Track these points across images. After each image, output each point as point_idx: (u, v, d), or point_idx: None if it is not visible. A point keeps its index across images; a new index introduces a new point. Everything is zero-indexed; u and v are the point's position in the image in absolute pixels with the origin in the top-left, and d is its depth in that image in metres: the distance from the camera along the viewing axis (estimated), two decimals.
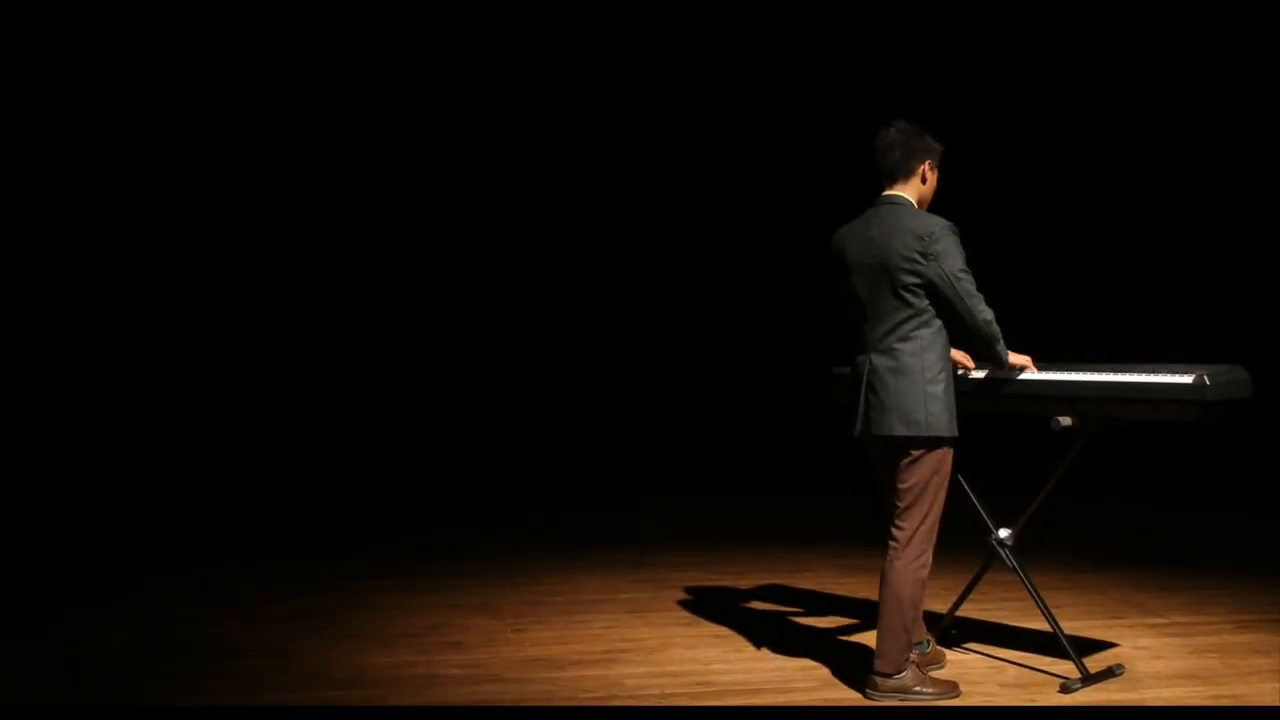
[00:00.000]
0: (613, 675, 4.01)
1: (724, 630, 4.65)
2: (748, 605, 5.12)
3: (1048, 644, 4.15)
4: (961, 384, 3.85)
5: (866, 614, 4.60)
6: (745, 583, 5.55)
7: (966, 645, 4.35)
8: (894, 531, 3.66)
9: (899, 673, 3.62)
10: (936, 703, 3.63)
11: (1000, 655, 4.23)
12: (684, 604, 5.14)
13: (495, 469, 8.92)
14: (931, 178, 3.75)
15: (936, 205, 3.84)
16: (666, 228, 9.28)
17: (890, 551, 3.65)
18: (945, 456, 3.62)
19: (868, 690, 3.67)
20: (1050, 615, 3.97)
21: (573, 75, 9.00)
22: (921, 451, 3.58)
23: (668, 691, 3.82)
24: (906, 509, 3.63)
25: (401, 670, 4.09)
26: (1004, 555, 4.01)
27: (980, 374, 3.88)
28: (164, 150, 8.65)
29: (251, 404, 8.84)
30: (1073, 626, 4.60)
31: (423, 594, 5.33)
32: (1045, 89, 8.72)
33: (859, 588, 5.29)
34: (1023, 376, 3.77)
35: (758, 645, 4.38)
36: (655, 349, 9.30)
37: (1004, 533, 4.04)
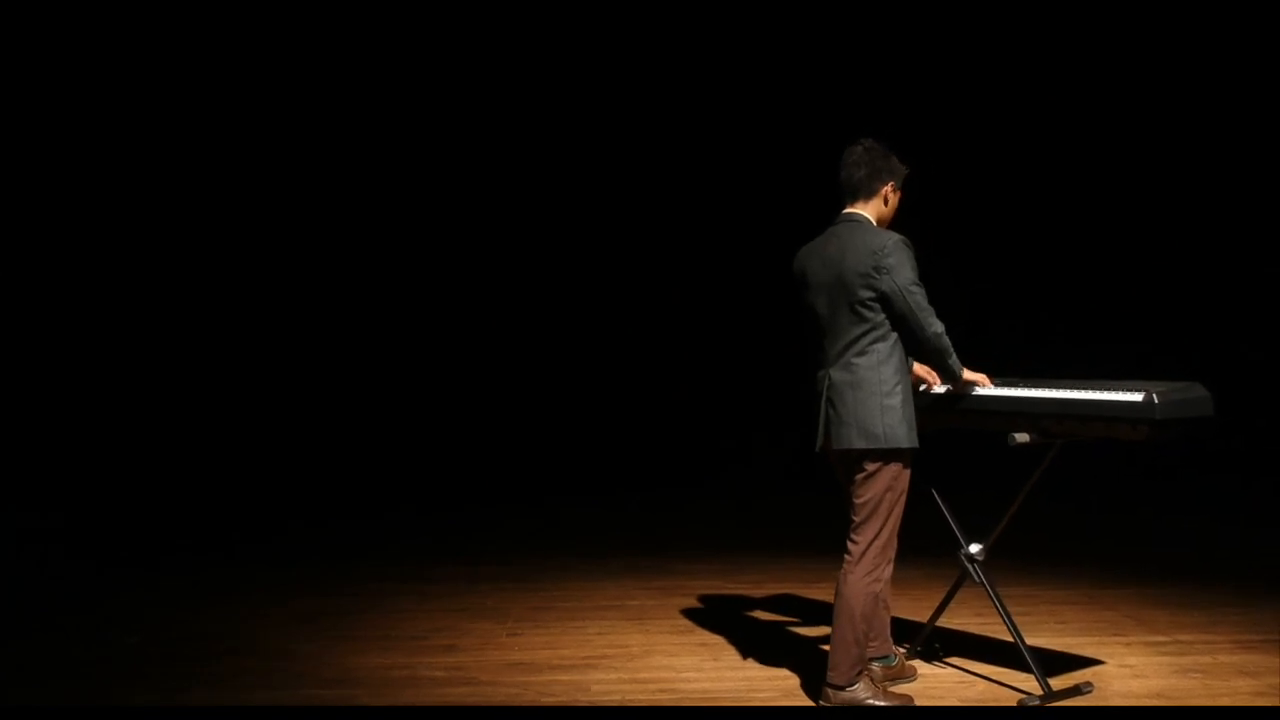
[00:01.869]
0: (583, 680, 4.12)
1: (713, 639, 4.72)
2: (750, 615, 5.17)
3: (1041, 658, 4.12)
4: (922, 399, 3.87)
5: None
6: (760, 592, 5.60)
7: (947, 659, 4.35)
8: (849, 545, 3.70)
9: (851, 685, 3.66)
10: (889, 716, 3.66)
11: (976, 670, 4.21)
12: (687, 611, 5.22)
13: (532, 472, 9.12)
14: (894, 199, 3.78)
15: (901, 223, 3.86)
16: (693, 228, 9.37)
17: (845, 565, 3.69)
18: (901, 472, 3.65)
19: (821, 701, 3.72)
20: (1015, 630, 3.95)
21: (571, 79, 9.23)
22: (877, 465, 3.61)
23: (628, 697, 3.92)
24: (861, 524, 3.66)
25: (387, 672, 4.26)
26: (972, 570, 4.01)
27: (941, 389, 3.90)
28: (224, 153, 9.03)
29: (286, 405, 9.22)
30: (1068, 643, 4.58)
31: (438, 597, 5.51)
32: (1021, 108, 8.76)
33: (906, 603, 5.21)
34: (978, 392, 3.76)
35: (744, 655, 4.45)
36: (692, 351, 9.42)
37: (975, 548, 4.03)
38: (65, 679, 4.23)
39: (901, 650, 4.12)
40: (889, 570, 3.78)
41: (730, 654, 4.48)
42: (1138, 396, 3.41)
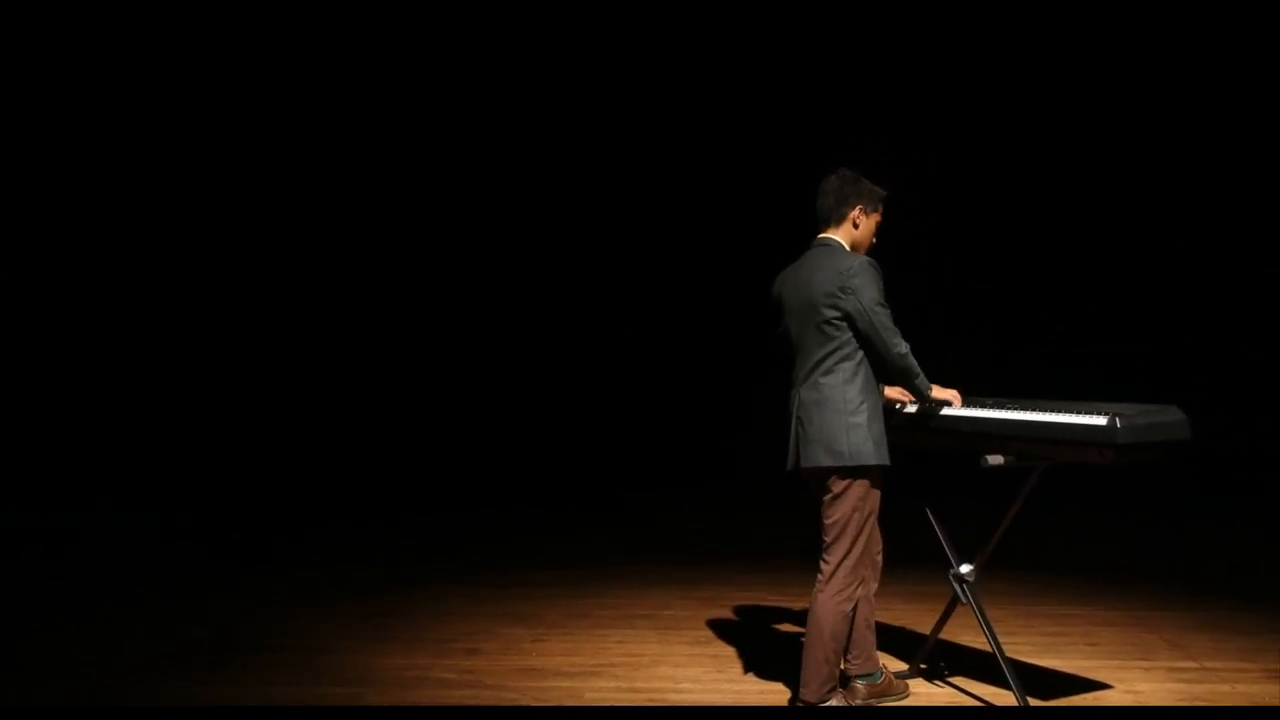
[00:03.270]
0: (580, 688, 4.26)
1: (727, 651, 4.80)
2: (775, 628, 5.22)
3: (1031, 682, 4.08)
4: (896, 418, 3.89)
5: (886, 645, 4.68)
6: (799, 604, 5.61)
7: (950, 679, 4.33)
8: (821, 565, 3.75)
9: (822, 702, 3.70)
10: None
11: (973, 690, 4.19)
12: (715, 622, 5.30)
13: (607, 474, 9.33)
14: (865, 222, 3.81)
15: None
16: (700, 232, 9.41)
17: (817, 584, 3.75)
18: (869, 491, 3.68)
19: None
20: (1000, 651, 3.90)
21: (572, 81, 9.42)
22: (845, 484, 3.65)
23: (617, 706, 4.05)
24: (832, 543, 3.71)
25: (402, 673, 4.48)
26: (959, 590, 4.00)
27: (914, 408, 3.91)
28: (234, 159, 9.45)
29: (370, 404, 9.66)
30: (1086, 666, 4.51)
31: (486, 601, 5.74)
32: (1021, 109, 8.77)
33: (916, 618, 5.24)
34: (946, 413, 3.77)
35: (748, 668, 4.52)
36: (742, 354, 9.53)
37: (965, 568, 4.02)
38: (66, 679, 4.47)
39: (885, 667, 4.13)
40: (863, 589, 3.82)
41: (736, 667, 4.56)
42: (1101, 420, 3.36)
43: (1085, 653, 4.73)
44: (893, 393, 3.98)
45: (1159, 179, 8.54)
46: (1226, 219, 8.43)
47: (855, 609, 3.83)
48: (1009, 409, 3.64)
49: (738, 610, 5.54)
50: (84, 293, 9.49)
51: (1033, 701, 3.90)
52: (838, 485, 3.66)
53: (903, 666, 4.42)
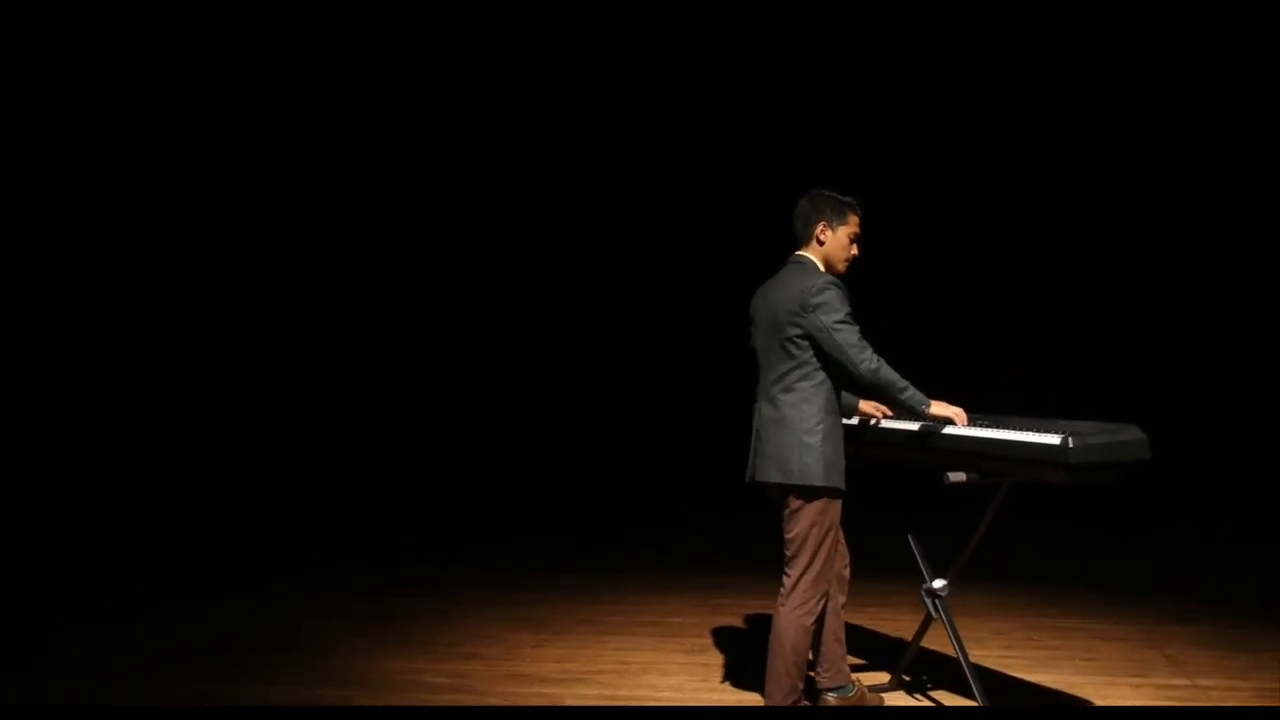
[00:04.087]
0: (562, 695, 4.36)
1: (718, 659, 4.86)
2: None
3: (1009, 698, 4.09)
4: (866, 434, 3.93)
5: (879, 656, 4.75)
6: None
7: (931, 691, 4.34)
8: (783, 578, 3.80)
9: None
10: None
11: (953, 703, 4.20)
12: (719, 630, 5.36)
13: (610, 478, 9.46)
14: (831, 237, 3.84)
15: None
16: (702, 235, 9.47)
17: (779, 597, 3.80)
18: (827, 508, 3.71)
19: None
20: (969, 665, 3.92)
21: (572, 83, 9.52)
22: (800, 503, 3.70)
23: None
24: (791, 558, 3.76)
25: (400, 675, 4.63)
26: (929, 605, 4.02)
27: (891, 424, 3.94)
28: (247, 163, 9.72)
29: (378, 406, 9.90)
30: (1074, 682, 4.50)
31: (504, 605, 5.87)
32: (1021, 109, 8.75)
33: (910, 630, 5.22)
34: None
35: (728, 677, 4.58)
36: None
37: (938, 583, 4.04)
38: (66, 679, 4.67)
39: (858, 680, 4.16)
40: (831, 603, 3.87)
41: (721, 675, 4.62)
42: (1055, 439, 3.37)
43: (1079, 668, 4.70)
44: (866, 407, 4.03)
45: (1158, 179, 8.53)
46: (1226, 219, 8.38)
47: (823, 622, 3.88)
48: (974, 425, 3.65)
49: (747, 619, 5.58)
50: (82, 293, 9.83)
51: None
52: (794, 502, 3.71)
53: (885, 678, 4.44)
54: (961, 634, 4.56)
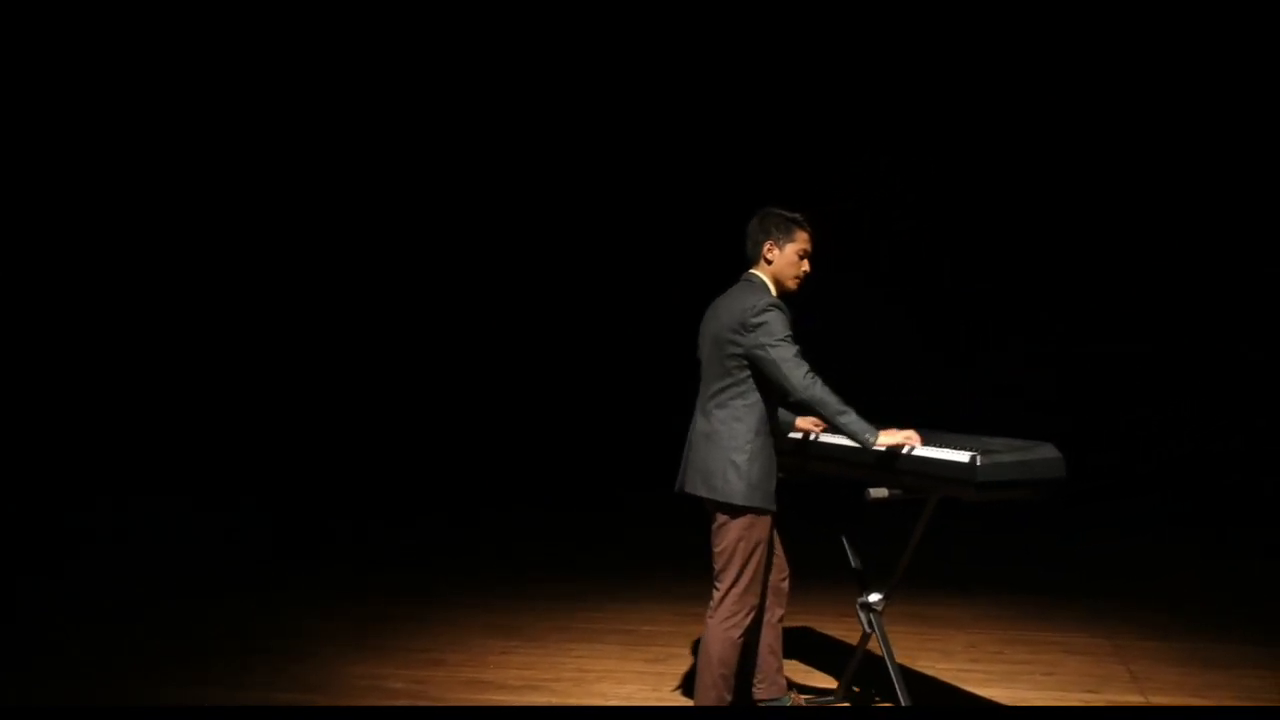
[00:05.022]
0: (513, 702, 4.45)
1: (678, 669, 4.90)
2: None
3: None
4: (810, 448, 3.97)
5: (831, 664, 4.78)
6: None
7: (878, 703, 4.36)
8: (712, 590, 3.84)
9: None
10: None
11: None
12: (685, 640, 5.40)
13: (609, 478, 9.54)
14: (778, 255, 3.87)
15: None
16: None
17: (708, 610, 3.85)
18: (754, 524, 3.75)
19: None
20: (899, 679, 3.93)
21: (573, 84, 9.57)
22: (725, 519, 3.75)
23: None
24: (720, 571, 3.80)
25: (360, 680, 4.73)
26: (863, 618, 4.04)
27: (827, 437, 3.96)
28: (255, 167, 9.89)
29: (379, 407, 10.04)
30: (1029, 697, 4.49)
31: (485, 610, 5.97)
32: (1021, 110, 8.70)
33: (914, 642, 5.24)
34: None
35: (679, 685, 4.64)
36: None
37: (874, 596, 4.06)
38: (65, 679, 4.82)
39: (794, 692, 4.19)
40: (767, 614, 3.92)
41: (674, 684, 4.68)
42: (963, 457, 3.37)
43: (1037, 683, 4.68)
44: (804, 423, 4.06)
45: (1159, 179, 8.47)
46: (1226, 219, 8.29)
47: (757, 635, 3.93)
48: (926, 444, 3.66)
49: None
50: (83, 293, 10.03)
51: None
52: (720, 517, 3.76)
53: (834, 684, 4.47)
54: (933, 645, 4.60)
